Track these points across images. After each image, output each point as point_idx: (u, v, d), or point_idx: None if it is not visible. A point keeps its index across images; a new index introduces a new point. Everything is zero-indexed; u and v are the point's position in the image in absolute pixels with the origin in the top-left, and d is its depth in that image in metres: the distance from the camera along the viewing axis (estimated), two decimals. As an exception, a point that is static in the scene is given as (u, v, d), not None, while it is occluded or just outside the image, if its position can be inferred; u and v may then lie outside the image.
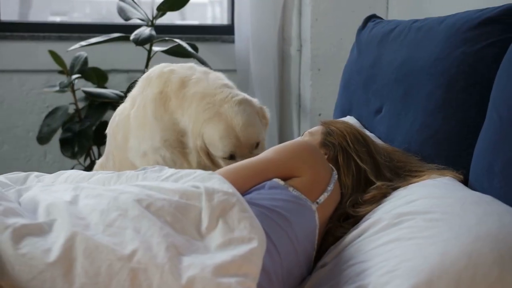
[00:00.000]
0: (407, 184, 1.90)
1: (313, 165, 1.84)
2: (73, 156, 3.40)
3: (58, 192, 1.57)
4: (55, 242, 1.36)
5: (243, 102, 2.21)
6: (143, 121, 2.26)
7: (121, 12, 3.42)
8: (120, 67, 3.79)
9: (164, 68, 2.30)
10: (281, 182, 1.78)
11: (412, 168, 1.99)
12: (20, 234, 1.36)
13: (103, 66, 3.64)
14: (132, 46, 3.53)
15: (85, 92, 3.41)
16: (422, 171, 1.96)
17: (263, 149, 2.19)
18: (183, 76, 2.25)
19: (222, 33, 4.01)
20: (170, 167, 2.15)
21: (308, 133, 2.10)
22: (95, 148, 3.60)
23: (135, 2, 3.44)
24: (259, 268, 1.40)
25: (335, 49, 3.70)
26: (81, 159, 3.58)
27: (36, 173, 2.00)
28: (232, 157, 2.17)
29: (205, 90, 2.21)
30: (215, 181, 1.59)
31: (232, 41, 3.90)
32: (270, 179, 1.80)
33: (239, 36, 3.84)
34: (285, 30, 3.88)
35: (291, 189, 1.77)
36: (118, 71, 3.79)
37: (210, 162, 2.20)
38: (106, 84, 3.66)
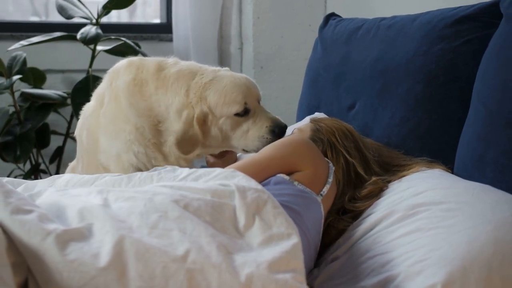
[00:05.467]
0: (398, 178, 1.97)
1: (313, 159, 1.89)
2: (15, 160, 3.25)
3: (81, 196, 1.52)
4: (101, 246, 1.31)
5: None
6: (115, 114, 2.14)
7: (62, 10, 3.32)
8: (55, 67, 3.65)
9: (132, 59, 2.22)
10: (286, 177, 1.82)
11: (400, 162, 2.07)
12: (64, 240, 1.31)
13: (38, 66, 3.51)
14: (69, 45, 3.45)
15: (26, 93, 3.28)
16: (411, 165, 2.04)
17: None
18: (158, 60, 2.18)
19: (160, 31, 3.97)
20: (145, 163, 2.12)
21: (298, 130, 2.13)
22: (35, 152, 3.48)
23: (80, 1, 3.34)
24: (303, 263, 1.42)
25: (276, 47, 3.75)
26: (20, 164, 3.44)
27: (7, 179, 1.92)
28: (246, 112, 2.10)
29: (189, 67, 2.16)
30: (241, 179, 1.59)
31: (170, 40, 3.86)
32: (273, 175, 1.83)
33: (177, 35, 3.81)
34: (224, 28, 3.89)
35: (296, 183, 1.81)
36: (53, 71, 3.64)
37: (201, 134, 2.07)
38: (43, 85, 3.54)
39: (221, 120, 2.09)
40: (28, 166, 3.48)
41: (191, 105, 2.07)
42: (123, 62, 2.23)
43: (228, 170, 1.66)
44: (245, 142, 2.11)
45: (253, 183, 1.57)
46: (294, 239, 1.44)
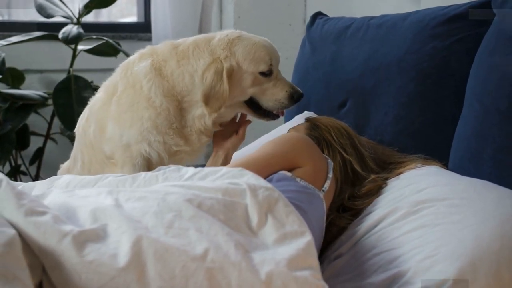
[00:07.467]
0: (395, 175, 1.99)
1: (312, 154, 1.89)
2: (-4, 162, 3.20)
3: (90, 197, 1.50)
4: (118, 247, 1.30)
5: None
6: (133, 101, 2.13)
7: (41, 9, 3.27)
8: (33, 67, 3.59)
9: (142, 50, 2.23)
10: (288, 174, 1.82)
11: (396, 160, 2.09)
12: (80, 241, 1.29)
13: (15, 66, 3.45)
14: (47, 44, 3.41)
15: (6, 94, 3.22)
16: (407, 162, 2.06)
17: None
18: (168, 42, 2.21)
19: (140, 31, 3.94)
20: (160, 152, 2.11)
21: (293, 130, 2.13)
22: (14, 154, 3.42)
23: (61, 0, 3.30)
24: (317, 260, 1.42)
25: (257, 47, 3.75)
26: (-1, 165, 3.38)
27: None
28: (269, 72, 2.13)
29: (203, 35, 2.19)
30: (250, 177, 1.59)
31: (149, 39, 3.83)
32: (275, 172, 1.83)
33: (156, 34, 3.78)
34: (204, 28, 3.86)
35: (298, 179, 1.81)
36: (31, 71, 3.58)
37: (228, 89, 2.07)
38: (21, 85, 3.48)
39: (244, 75, 2.12)
40: (7, 167, 3.43)
41: (219, 59, 2.10)
42: (134, 55, 2.24)
43: (235, 168, 1.66)
44: (262, 100, 2.15)
45: (262, 182, 1.57)
46: (308, 237, 1.44)
